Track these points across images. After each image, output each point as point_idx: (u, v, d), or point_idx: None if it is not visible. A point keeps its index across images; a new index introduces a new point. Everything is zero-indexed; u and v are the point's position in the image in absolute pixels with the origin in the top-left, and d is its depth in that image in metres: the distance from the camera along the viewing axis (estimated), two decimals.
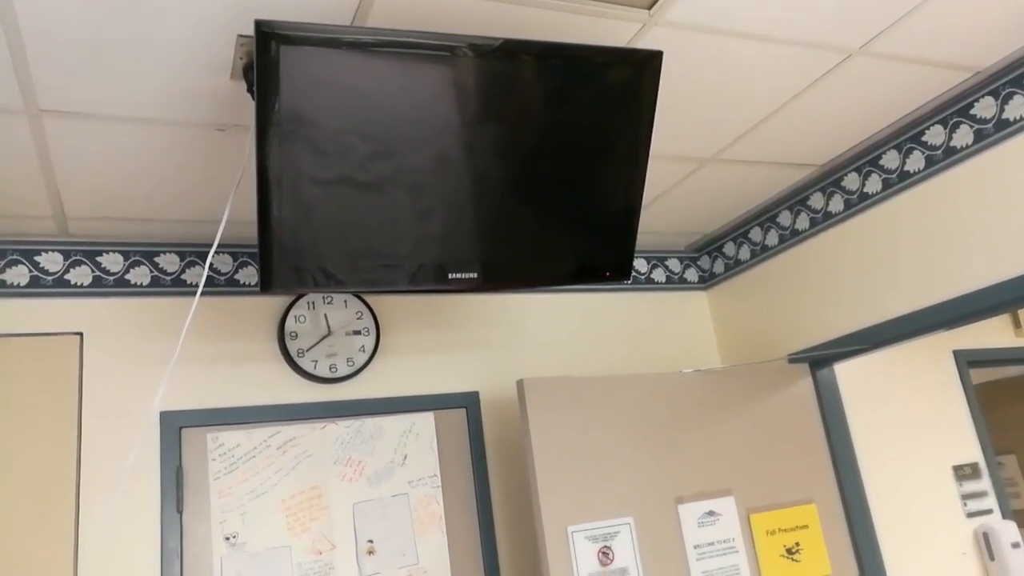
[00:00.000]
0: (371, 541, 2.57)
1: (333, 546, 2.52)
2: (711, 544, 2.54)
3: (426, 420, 2.78)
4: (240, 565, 2.40)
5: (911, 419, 3.30)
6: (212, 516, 2.43)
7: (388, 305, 2.86)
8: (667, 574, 2.44)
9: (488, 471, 2.80)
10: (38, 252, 2.47)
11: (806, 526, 2.68)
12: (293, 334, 2.65)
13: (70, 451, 2.35)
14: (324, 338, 2.69)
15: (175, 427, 2.47)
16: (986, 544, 3.20)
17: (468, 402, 2.86)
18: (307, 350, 2.66)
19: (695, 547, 2.51)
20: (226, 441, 2.51)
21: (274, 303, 2.70)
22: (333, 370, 2.67)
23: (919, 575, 3.01)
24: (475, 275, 1.87)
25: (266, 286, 1.65)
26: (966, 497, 3.26)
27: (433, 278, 1.84)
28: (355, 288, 1.79)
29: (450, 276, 1.85)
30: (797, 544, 2.65)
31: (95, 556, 2.29)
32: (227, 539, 2.43)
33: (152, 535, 2.36)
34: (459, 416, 2.83)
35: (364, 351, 2.74)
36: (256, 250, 2.66)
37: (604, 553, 2.37)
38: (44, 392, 2.37)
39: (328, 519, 2.55)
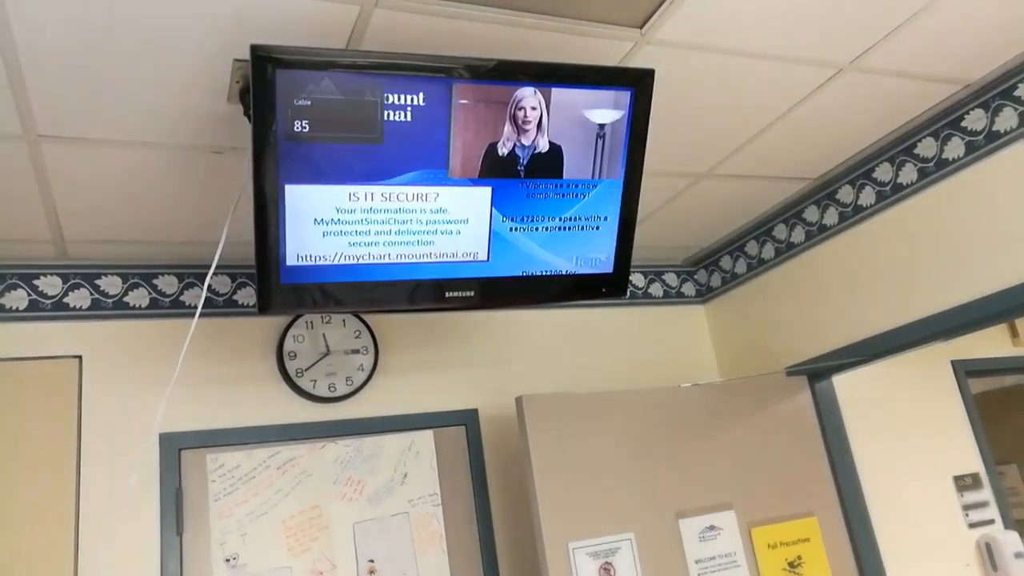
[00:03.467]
0: (372, 561, 2.56)
1: (334, 566, 2.52)
2: (713, 559, 2.53)
3: (425, 438, 2.78)
4: None
5: (911, 430, 3.29)
6: (212, 538, 2.42)
7: (386, 324, 2.86)
8: None
9: (488, 488, 2.79)
10: (37, 276, 2.48)
11: (808, 539, 2.67)
12: (292, 354, 2.66)
13: (70, 474, 2.35)
14: (323, 357, 2.70)
15: (174, 448, 2.47)
16: (989, 555, 3.19)
17: (467, 420, 2.86)
18: (306, 370, 2.66)
19: (697, 562, 2.50)
20: (226, 462, 2.51)
21: (272, 323, 2.70)
22: (332, 389, 2.68)
23: None
24: (472, 293, 1.88)
25: (264, 307, 1.66)
26: (968, 508, 3.26)
27: (431, 297, 1.85)
28: (353, 308, 1.80)
29: (447, 295, 1.86)
30: (799, 558, 2.64)
31: None
32: (227, 561, 2.42)
33: (152, 558, 2.35)
34: (458, 434, 2.83)
35: (363, 370, 2.74)
36: (254, 271, 2.67)
37: (605, 569, 2.37)
38: (44, 415, 2.37)
39: (328, 539, 2.54)
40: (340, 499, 2.60)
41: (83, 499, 2.34)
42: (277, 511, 2.51)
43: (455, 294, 1.86)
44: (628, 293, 3.32)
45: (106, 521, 2.33)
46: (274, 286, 1.69)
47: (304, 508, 2.54)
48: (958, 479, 3.29)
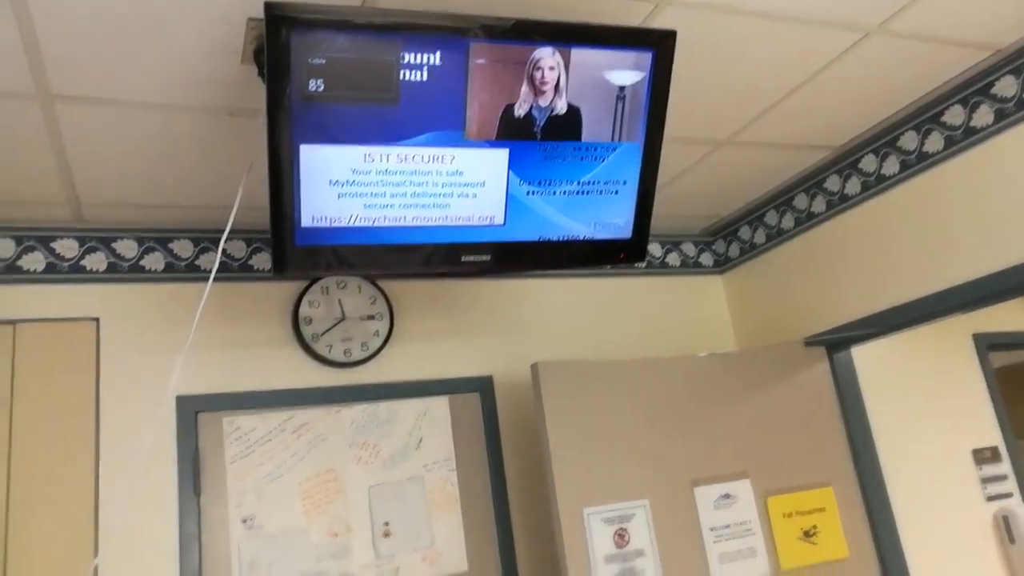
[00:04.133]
0: (387, 523, 2.58)
1: (349, 528, 2.54)
2: (727, 527, 2.53)
3: (440, 404, 2.78)
4: (257, 547, 2.42)
5: (930, 403, 3.26)
6: (229, 499, 2.45)
7: (402, 290, 2.85)
8: (683, 556, 2.44)
9: (503, 454, 2.80)
10: (54, 238, 2.49)
11: (823, 509, 2.67)
12: (307, 319, 2.66)
13: (88, 435, 2.37)
14: (338, 323, 2.70)
15: (191, 411, 2.49)
16: (1006, 527, 3.17)
17: (482, 386, 2.86)
18: (321, 335, 2.67)
19: (711, 529, 2.50)
20: (242, 425, 2.53)
21: (288, 289, 2.71)
22: (348, 354, 2.68)
23: (938, 558, 2.98)
24: (487, 257, 1.86)
25: (279, 268, 1.66)
26: (986, 481, 3.23)
27: (446, 260, 1.84)
28: (368, 270, 1.79)
29: (463, 259, 1.85)
30: (814, 527, 2.63)
31: (115, 539, 2.31)
32: (244, 522, 2.44)
33: (170, 518, 2.38)
34: (473, 400, 2.84)
35: (378, 336, 2.74)
36: (269, 236, 2.66)
37: (620, 535, 2.37)
38: (62, 376, 2.39)
39: (344, 502, 2.56)
40: (356, 463, 2.61)
41: (102, 460, 2.36)
42: (293, 474, 2.53)
43: (470, 258, 1.84)
44: (646, 262, 3.30)
45: (125, 482, 2.36)
46: (289, 248, 1.69)
47: (320, 471, 2.56)
48: (977, 452, 3.27)
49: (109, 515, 2.32)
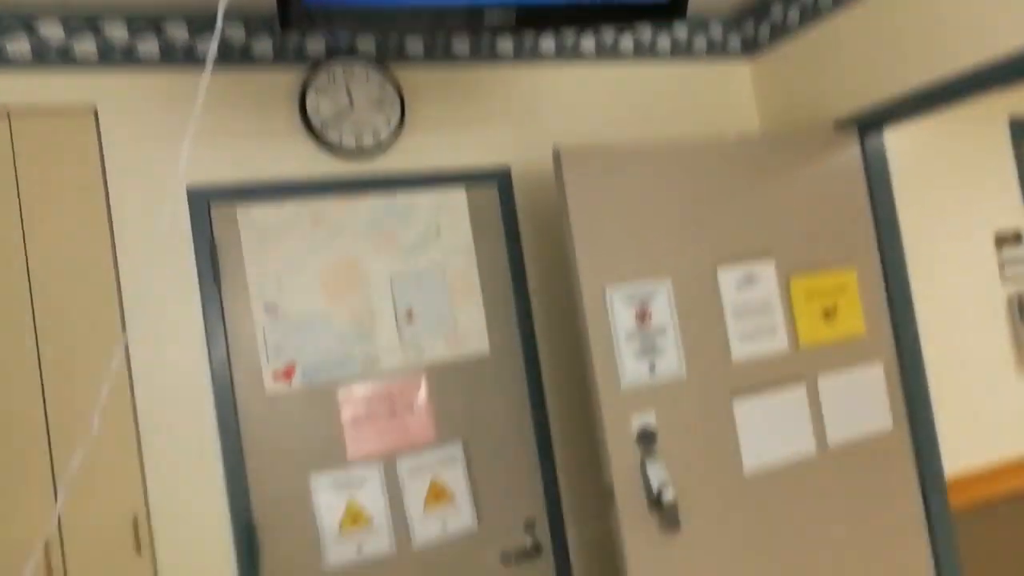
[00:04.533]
0: (409, 309, 2.62)
1: (372, 314, 2.57)
2: (749, 305, 2.55)
3: (458, 195, 2.73)
4: (282, 333, 2.47)
5: (958, 187, 3.21)
6: (250, 288, 2.46)
7: (412, 77, 2.71)
8: (704, 333, 2.48)
9: (522, 243, 2.79)
10: (36, 19, 2.31)
11: (845, 289, 2.68)
12: (315, 108, 2.54)
13: (101, 224, 2.33)
14: (347, 111, 2.58)
15: (204, 201, 2.44)
16: (1019, 307, 3.22)
17: (500, 175, 2.79)
18: (330, 124, 2.56)
19: (733, 309, 2.52)
20: (257, 216, 2.49)
21: (291, 77, 2.56)
22: (359, 143, 2.59)
23: (951, 334, 3.06)
24: (512, 18, 1.72)
25: (286, 23, 1.53)
26: (1006, 263, 3.25)
27: (466, 21, 1.69)
28: (380, 31, 1.65)
29: (485, 20, 1.70)
30: (835, 306, 2.66)
31: (141, 325, 2.34)
32: (266, 308, 2.47)
33: (193, 307, 2.40)
34: (491, 189, 2.78)
35: (389, 124, 2.63)
36: (269, 17, 2.47)
37: (641, 313, 2.40)
38: (66, 168, 2.32)
39: (365, 290, 2.58)
40: (375, 252, 2.60)
41: (118, 249, 2.35)
42: (312, 263, 2.52)
43: (493, 19, 1.69)
44: (671, 45, 3.11)
45: (144, 272, 2.36)
46: (295, 6, 1.54)
47: (339, 260, 2.55)
48: (1000, 236, 3.25)
49: (133, 306, 2.34)
